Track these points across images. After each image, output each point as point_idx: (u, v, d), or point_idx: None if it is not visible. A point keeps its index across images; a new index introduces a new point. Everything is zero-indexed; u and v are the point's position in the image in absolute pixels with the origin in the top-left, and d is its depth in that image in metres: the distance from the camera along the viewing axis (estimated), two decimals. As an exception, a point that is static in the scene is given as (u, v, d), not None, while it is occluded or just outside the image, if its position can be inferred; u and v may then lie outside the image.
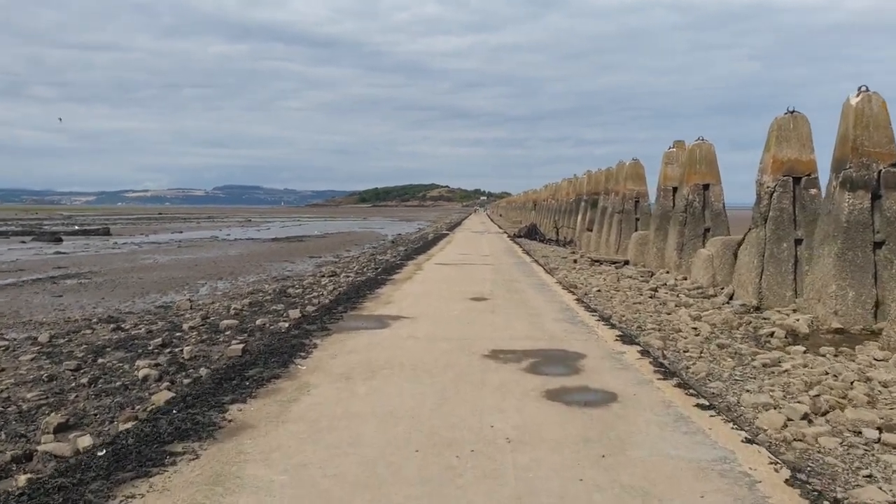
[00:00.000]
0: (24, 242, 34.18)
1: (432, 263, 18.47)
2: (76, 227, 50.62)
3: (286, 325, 9.59)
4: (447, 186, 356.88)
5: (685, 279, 14.42)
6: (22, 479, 4.34)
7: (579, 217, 30.48)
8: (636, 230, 21.72)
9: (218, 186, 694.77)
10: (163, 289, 15.99)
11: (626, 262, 19.37)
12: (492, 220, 73.65)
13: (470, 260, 19.86)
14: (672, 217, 16.46)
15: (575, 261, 19.91)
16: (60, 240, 36.80)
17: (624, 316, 10.22)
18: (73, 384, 6.93)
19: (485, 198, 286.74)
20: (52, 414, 5.89)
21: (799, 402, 5.70)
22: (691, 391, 5.89)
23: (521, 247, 25.70)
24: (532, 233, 34.94)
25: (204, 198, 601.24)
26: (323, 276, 18.22)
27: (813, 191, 11.42)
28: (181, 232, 50.19)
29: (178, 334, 9.49)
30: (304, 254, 28.50)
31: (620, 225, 21.69)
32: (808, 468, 4.44)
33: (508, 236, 33.74)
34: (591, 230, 27.54)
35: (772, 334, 8.64)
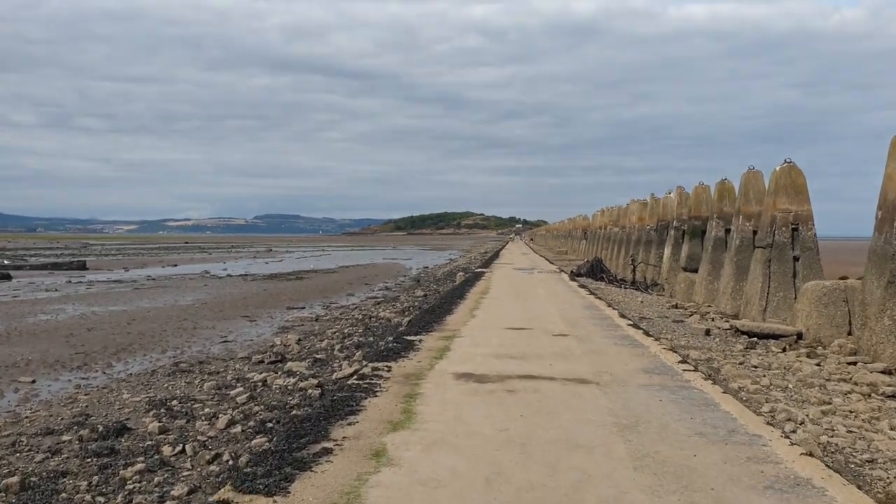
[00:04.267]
0: (-44, 281, 27.46)
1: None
2: (46, 261, 43.90)
3: None
4: (482, 214, 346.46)
5: None
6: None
7: (667, 251, 22.05)
8: (794, 274, 13.30)
9: (259, 216, 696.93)
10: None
11: (799, 337, 10.96)
12: (534, 250, 64.78)
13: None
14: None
15: (707, 331, 11.50)
16: (9, 277, 30.08)
17: None
18: None
19: (520, 225, 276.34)
20: None
21: None
22: None
23: (598, 297, 17.19)
24: (595, 270, 26.53)
25: (245, 227, 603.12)
26: (261, 361, 10.35)
27: None
28: (175, 265, 43.15)
29: None
30: (286, 301, 20.74)
31: (768, 267, 13.23)
32: None
33: (568, 276, 25.31)
34: (693, 270, 19.11)
35: None
